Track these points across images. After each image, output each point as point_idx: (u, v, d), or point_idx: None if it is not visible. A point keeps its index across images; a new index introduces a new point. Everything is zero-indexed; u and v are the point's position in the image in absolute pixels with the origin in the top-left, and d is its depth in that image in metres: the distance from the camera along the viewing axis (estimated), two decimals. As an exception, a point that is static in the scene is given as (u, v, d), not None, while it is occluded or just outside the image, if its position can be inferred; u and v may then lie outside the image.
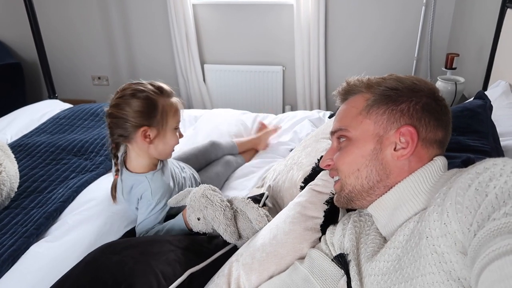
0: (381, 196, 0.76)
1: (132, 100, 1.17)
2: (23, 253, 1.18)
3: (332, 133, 0.85)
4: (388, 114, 0.76)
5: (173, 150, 1.29)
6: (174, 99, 1.27)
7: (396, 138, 0.75)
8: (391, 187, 0.75)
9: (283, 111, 3.39)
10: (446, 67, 2.45)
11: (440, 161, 0.74)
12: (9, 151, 1.52)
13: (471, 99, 1.36)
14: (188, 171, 1.44)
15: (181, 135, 1.28)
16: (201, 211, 1.02)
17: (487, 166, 0.59)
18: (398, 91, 0.78)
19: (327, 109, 3.25)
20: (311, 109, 3.23)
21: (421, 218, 0.66)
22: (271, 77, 3.25)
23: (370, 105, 0.78)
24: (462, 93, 2.34)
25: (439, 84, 2.31)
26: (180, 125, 1.30)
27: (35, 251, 1.19)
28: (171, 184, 1.27)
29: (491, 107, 1.24)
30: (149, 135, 1.19)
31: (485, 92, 1.73)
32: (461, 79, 2.31)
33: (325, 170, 1.04)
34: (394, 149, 0.74)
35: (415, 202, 0.71)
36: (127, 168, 1.26)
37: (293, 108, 3.37)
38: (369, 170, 0.76)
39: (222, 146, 1.69)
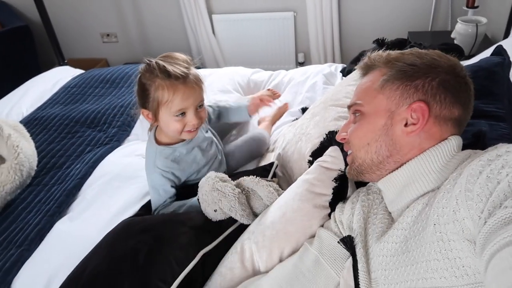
0: (392, 171, 0.77)
1: (136, 80, 1.16)
2: (48, 231, 1.26)
3: (349, 107, 0.85)
4: (401, 90, 0.75)
5: (185, 132, 1.16)
6: (177, 82, 1.09)
7: (408, 114, 0.74)
8: (403, 164, 0.75)
9: (296, 59, 3.30)
10: (467, 6, 2.30)
11: (454, 141, 0.73)
12: (24, 130, 1.55)
13: (489, 53, 1.28)
14: (217, 162, 1.36)
15: (191, 124, 1.14)
16: (216, 203, 1.02)
17: (500, 153, 0.58)
18: (415, 67, 0.76)
19: (341, 55, 3.13)
20: (325, 55, 3.13)
21: (430, 202, 0.66)
22: (282, 24, 3.13)
23: (385, 80, 0.77)
24: (484, 34, 2.20)
25: (459, 27, 2.18)
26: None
27: (59, 229, 1.27)
28: (176, 172, 1.24)
29: (509, 64, 1.17)
30: (149, 115, 1.16)
31: (506, 40, 1.64)
32: (483, 20, 2.17)
33: (334, 146, 1.04)
34: (405, 125, 0.74)
35: (425, 181, 0.71)
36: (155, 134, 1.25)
37: (306, 55, 3.27)
38: (379, 145, 0.77)
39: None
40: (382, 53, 0.82)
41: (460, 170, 0.65)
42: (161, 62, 1.10)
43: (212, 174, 1.10)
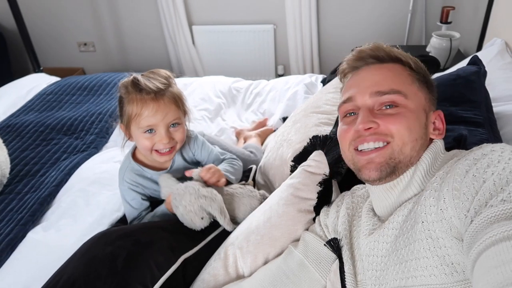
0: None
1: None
2: (20, 241, 1.20)
3: (381, 93, 0.72)
4: (429, 96, 0.77)
5: (155, 152, 1.09)
6: (147, 97, 1.03)
7: (433, 119, 0.75)
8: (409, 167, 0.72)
9: (276, 71, 3.32)
10: (441, 21, 2.38)
11: (440, 143, 0.74)
12: (-3, 137, 1.49)
13: (465, 63, 1.33)
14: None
15: (161, 143, 1.07)
16: (203, 211, 1.00)
17: (485, 152, 0.58)
18: (432, 83, 0.79)
19: (320, 68, 3.18)
20: (304, 68, 3.17)
21: (418, 201, 0.66)
22: (262, 36, 3.15)
23: (417, 80, 0.75)
24: (457, 48, 2.28)
25: (434, 41, 2.25)
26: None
27: (32, 238, 1.21)
28: (144, 187, 1.18)
29: (485, 73, 1.21)
30: (124, 130, 1.12)
31: (480, 52, 1.70)
32: (457, 35, 2.24)
33: (318, 150, 1.03)
34: (433, 129, 0.75)
35: (416, 185, 0.70)
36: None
37: (286, 68, 3.30)
38: (421, 143, 0.71)
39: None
40: (400, 51, 0.78)
41: (446, 169, 0.65)
42: (138, 77, 1.06)
43: (190, 183, 1.05)
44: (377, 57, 0.77)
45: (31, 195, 1.36)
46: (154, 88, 1.03)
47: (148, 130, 1.06)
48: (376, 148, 0.70)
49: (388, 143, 0.70)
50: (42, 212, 1.30)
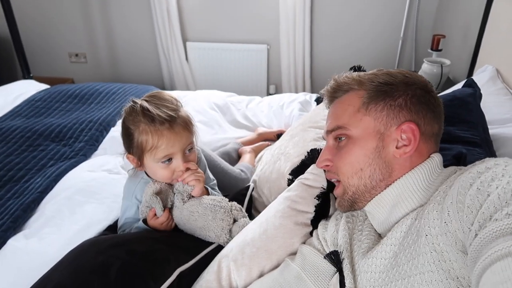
0: (380, 193, 0.75)
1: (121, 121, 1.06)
2: (0, 248, 1.14)
3: (329, 132, 0.81)
4: (387, 110, 0.75)
5: (173, 181, 1.06)
6: (162, 128, 0.97)
7: (398, 135, 0.73)
8: (390, 184, 0.74)
9: (268, 91, 3.34)
10: (432, 49, 2.44)
11: (437, 158, 0.74)
12: (-19, 140, 1.44)
13: (460, 86, 1.35)
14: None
15: (179, 170, 1.03)
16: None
17: (489, 166, 0.58)
18: (392, 86, 0.76)
19: (311, 89, 3.21)
20: (296, 89, 3.19)
21: (419, 215, 0.65)
22: (255, 55, 3.18)
23: (367, 102, 0.76)
24: (447, 75, 2.33)
25: (425, 67, 2.30)
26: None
27: (13, 245, 1.15)
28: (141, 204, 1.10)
29: (480, 96, 1.23)
30: (135, 161, 1.06)
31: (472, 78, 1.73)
32: (447, 62, 2.30)
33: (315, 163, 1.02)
34: (396, 147, 0.73)
35: (413, 198, 0.71)
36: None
37: (278, 88, 3.33)
38: (373, 169, 0.74)
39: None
40: (350, 75, 0.81)
41: (449, 183, 0.64)
42: (145, 105, 0.99)
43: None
44: (331, 96, 0.84)
45: (13, 201, 1.30)
46: (167, 118, 0.98)
47: (166, 160, 1.02)
48: (336, 183, 0.83)
49: (339, 181, 0.80)
50: (24, 219, 1.25)
